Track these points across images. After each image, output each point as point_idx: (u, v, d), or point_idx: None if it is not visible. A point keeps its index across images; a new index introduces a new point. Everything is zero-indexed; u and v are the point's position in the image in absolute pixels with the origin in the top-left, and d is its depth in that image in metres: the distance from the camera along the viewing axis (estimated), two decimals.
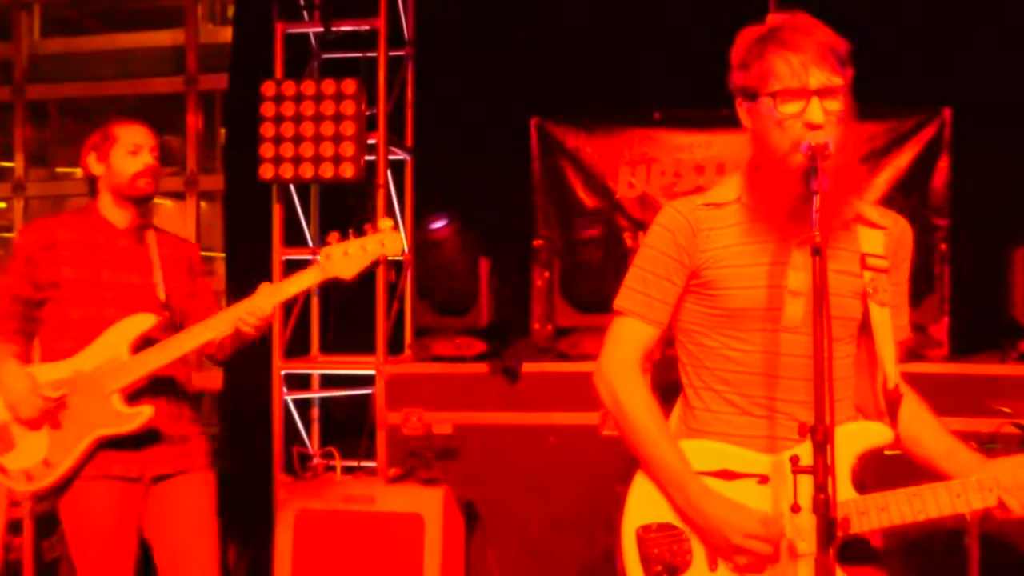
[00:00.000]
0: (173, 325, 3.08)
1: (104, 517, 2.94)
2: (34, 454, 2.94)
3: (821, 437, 1.76)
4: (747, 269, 2.08)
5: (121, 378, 2.92)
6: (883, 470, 2.11)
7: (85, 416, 2.92)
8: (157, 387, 3.01)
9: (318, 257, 2.86)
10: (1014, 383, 3.83)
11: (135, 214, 3.13)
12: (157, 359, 2.93)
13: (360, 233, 2.85)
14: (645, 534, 2.09)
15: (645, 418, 2.12)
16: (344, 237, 2.84)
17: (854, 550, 2.04)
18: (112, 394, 2.92)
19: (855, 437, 2.05)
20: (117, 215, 3.11)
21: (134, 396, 2.95)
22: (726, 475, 2.07)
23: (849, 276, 2.08)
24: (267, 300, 2.88)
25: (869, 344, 2.12)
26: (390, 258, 2.85)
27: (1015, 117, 4.37)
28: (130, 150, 3.07)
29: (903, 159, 4.54)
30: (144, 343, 2.97)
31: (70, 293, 3.00)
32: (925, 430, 2.13)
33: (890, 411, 2.08)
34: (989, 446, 3.22)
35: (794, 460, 1.86)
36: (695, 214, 2.13)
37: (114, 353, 2.95)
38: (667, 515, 2.09)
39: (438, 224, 4.33)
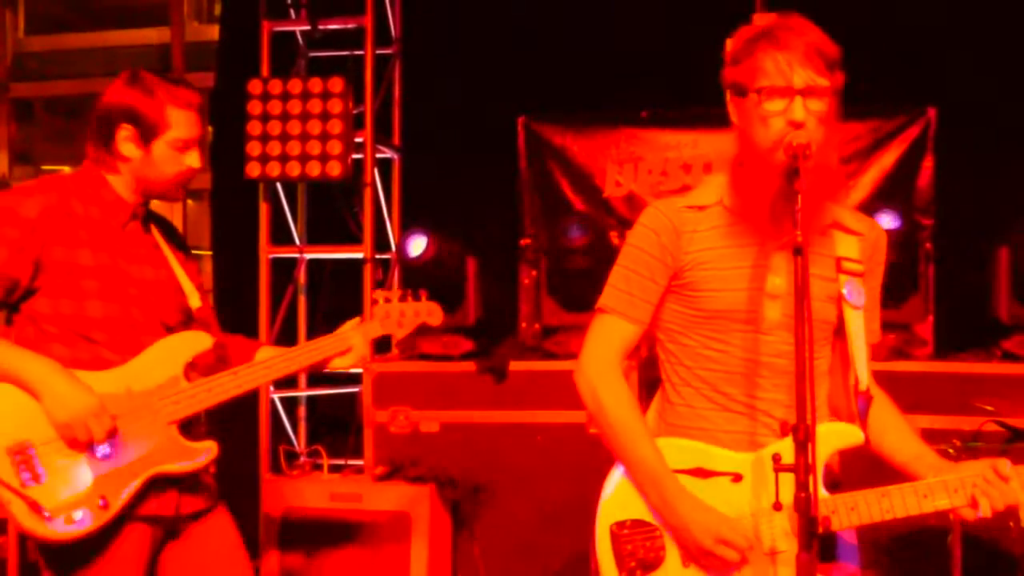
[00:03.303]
0: (219, 349, 2.63)
1: (121, 566, 2.40)
2: (75, 489, 2.31)
3: (803, 436, 1.77)
4: (727, 272, 2.10)
5: (184, 406, 2.45)
6: (862, 470, 2.13)
7: (139, 446, 2.39)
8: None
9: (375, 310, 2.85)
10: (998, 381, 3.85)
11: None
12: (228, 390, 2.50)
13: (404, 298, 2.88)
14: (619, 531, 2.11)
15: (624, 415, 2.13)
16: (389, 299, 2.87)
17: (825, 547, 2.04)
18: (171, 424, 2.44)
19: (827, 438, 2.07)
20: (129, 196, 2.54)
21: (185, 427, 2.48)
22: (700, 473, 2.09)
23: (824, 281, 2.11)
24: (364, 343, 2.76)
25: (843, 347, 2.15)
26: (430, 325, 2.97)
27: (1000, 116, 4.39)
28: (179, 145, 2.49)
29: (888, 159, 4.56)
30: (193, 364, 2.53)
31: (90, 284, 2.41)
32: (895, 433, 2.16)
33: (861, 413, 2.11)
34: (972, 444, 3.24)
35: (776, 458, 1.87)
36: (679, 215, 2.15)
37: (170, 374, 2.46)
38: (642, 512, 2.11)
39: (418, 244, 4.33)
